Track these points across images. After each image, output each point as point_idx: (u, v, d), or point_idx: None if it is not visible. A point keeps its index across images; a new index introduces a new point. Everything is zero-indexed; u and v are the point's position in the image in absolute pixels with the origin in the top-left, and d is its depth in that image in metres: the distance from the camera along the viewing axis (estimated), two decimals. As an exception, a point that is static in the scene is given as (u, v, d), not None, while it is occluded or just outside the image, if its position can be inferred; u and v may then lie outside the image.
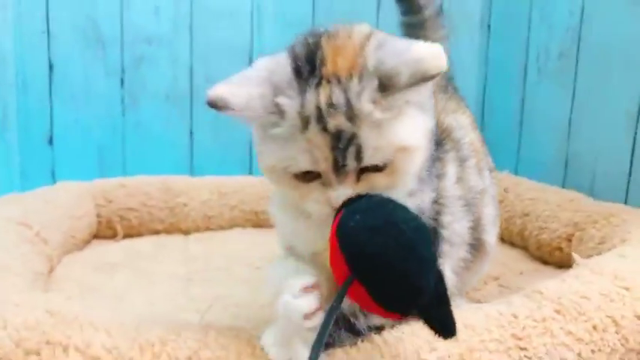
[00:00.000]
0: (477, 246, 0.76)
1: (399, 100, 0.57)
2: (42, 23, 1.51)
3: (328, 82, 0.56)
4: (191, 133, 1.65)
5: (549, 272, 1.08)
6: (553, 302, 0.71)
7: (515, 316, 0.68)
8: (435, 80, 0.58)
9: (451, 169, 0.71)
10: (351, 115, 0.56)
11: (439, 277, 0.56)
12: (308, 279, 0.57)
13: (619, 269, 0.77)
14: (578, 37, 1.37)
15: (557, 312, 0.69)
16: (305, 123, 0.56)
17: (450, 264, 0.71)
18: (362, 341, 0.62)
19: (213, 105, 0.56)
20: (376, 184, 0.58)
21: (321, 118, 0.56)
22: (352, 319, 0.63)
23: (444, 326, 0.56)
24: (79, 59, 1.54)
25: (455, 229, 0.70)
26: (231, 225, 1.39)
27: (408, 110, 0.58)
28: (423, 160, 0.61)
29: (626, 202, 1.20)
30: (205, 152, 1.64)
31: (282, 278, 0.59)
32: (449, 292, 0.57)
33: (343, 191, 0.57)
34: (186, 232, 1.36)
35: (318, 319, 0.54)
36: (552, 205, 1.19)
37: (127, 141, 1.60)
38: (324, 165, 0.57)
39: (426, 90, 0.61)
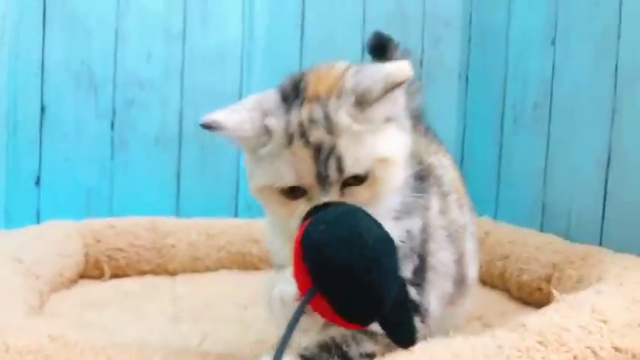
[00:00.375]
0: (460, 281, 0.79)
1: (376, 114, 0.63)
2: (37, 64, 1.55)
3: (310, 101, 0.63)
4: (178, 175, 1.67)
5: (530, 312, 1.11)
6: (535, 334, 0.74)
7: (500, 347, 0.71)
8: (411, 113, 0.68)
9: (434, 201, 0.75)
10: (330, 128, 0.61)
11: (401, 286, 0.59)
12: None
13: (596, 303, 0.81)
14: (551, 90, 1.46)
15: (540, 343, 0.72)
16: (289, 139, 0.62)
17: (435, 294, 0.73)
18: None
19: (208, 127, 0.63)
20: (359, 197, 0.62)
21: (303, 133, 0.61)
22: (344, 347, 0.65)
23: (403, 335, 0.59)
24: (71, 101, 1.58)
25: (440, 257, 0.74)
26: (218, 266, 1.40)
27: (387, 126, 0.64)
28: (403, 175, 0.66)
29: (600, 244, 1.25)
30: (192, 195, 1.67)
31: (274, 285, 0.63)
32: (412, 301, 0.61)
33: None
34: (173, 273, 1.37)
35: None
36: (531, 248, 1.24)
37: (115, 182, 1.62)
38: (308, 178, 0.61)
39: (401, 109, 0.67)
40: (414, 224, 0.69)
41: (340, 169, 0.61)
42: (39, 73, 1.56)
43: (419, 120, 0.96)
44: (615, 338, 0.76)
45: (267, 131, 0.63)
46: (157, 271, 1.35)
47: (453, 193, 0.80)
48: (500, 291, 1.29)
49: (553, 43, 1.45)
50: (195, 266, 1.38)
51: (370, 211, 0.61)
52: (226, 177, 1.69)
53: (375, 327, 0.66)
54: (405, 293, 0.60)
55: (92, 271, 1.29)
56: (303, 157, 0.61)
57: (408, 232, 0.68)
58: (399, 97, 0.66)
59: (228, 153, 1.69)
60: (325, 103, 0.63)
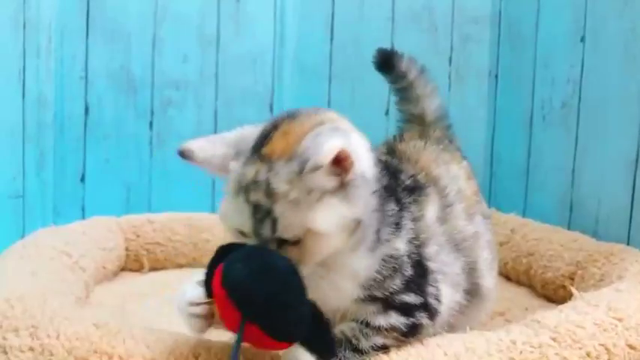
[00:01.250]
0: (473, 291, 0.81)
1: (313, 184, 0.64)
2: (81, 69, 1.64)
3: (261, 160, 0.65)
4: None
5: (553, 309, 1.13)
6: (549, 330, 0.77)
7: (514, 342, 0.74)
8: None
9: (430, 210, 0.77)
10: (269, 193, 0.64)
11: (313, 306, 0.66)
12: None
13: (613, 301, 0.83)
14: (579, 88, 1.46)
15: (554, 339, 0.75)
16: (237, 191, 0.65)
17: (445, 292, 0.75)
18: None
19: (181, 154, 0.70)
20: (291, 255, 0.65)
21: (247, 190, 0.65)
22: (354, 341, 0.70)
23: (324, 348, 0.65)
24: (111, 103, 1.66)
25: (444, 260, 0.76)
26: (250, 260, 1.46)
27: (328, 198, 0.65)
28: (336, 246, 0.67)
29: (628, 244, 1.26)
30: (227, 192, 1.73)
31: None
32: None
33: None
34: (207, 266, 1.43)
35: (199, 309, 0.67)
36: (556, 245, 1.25)
37: (154, 180, 1.70)
38: (247, 230, 0.65)
39: (355, 176, 0.66)
40: (395, 248, 0.71)
41: (274, 230, 0.64)
42: (83, 76, 1.65)
43: (436, 123, 0.98)
44: (630, 336, 0.78)
45: (229, 174, 0.68)
46: (193, 265, 1.42)
47: (459, 202, 0.81)
48: (525, 288, 1.31)
49: (582, 40, 1.45)
50: (229, 260, 1.44)
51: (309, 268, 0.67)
52: (259, 175, 1.75)
53: (380, 321, 0.70)
54: (320, 312, 0.66)
55: (132, 264, 1.37)
56: (243, 211, 0.65)
57: (387, 257, 0.70)
58: (356, 164, 0.65)
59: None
60: (272, 166, 0.64)
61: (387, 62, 1.00)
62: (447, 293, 0.75)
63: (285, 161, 0.64)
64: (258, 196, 0.64)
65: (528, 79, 1.67)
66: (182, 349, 0.65)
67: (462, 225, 0.80)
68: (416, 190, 0.78)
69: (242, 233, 0.67)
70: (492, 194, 1.86)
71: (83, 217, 1.58)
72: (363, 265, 0.69)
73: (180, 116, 1.71)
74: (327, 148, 0.61)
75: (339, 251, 0.68)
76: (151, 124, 1.70)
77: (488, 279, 0.84)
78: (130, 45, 1.67)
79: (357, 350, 0.70)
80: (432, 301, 0.73)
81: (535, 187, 1.65)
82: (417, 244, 0.74)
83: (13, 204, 1.52)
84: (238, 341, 0.60)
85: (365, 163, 0.68)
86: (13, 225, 1.50)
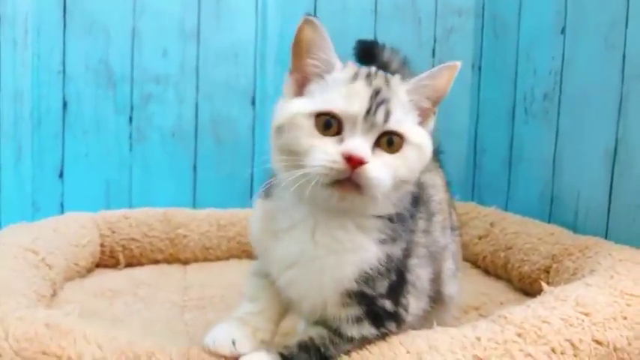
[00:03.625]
0: (436, 299, 0.81)
1: (419, 107, 0.70)
2: (58, 63, 1.62)
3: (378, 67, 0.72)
4: (195, 167, 1.72)
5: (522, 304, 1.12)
6: (515, 326, 0.76)
7: (479, 339, 0.73)
8: None
9: (420, 224, 0.77)
10: (388, 86, 0.67)
11: None
12: None
13: (581, 296, 0.82)
14: (560, 80, 1.44)
15: (519, 335, 0.74)
16: (355, 77, 0.68)
17: (413, 304, 0.75)
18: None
19: (309, 19, 0.71)
20: (384, 162, 0.65)
21: (368, 76, 0.68)
22: (322, 349, 0.69)
23: None
24: (91, 97, 1.64)
25: (419, 274, 0.75)
26: (229, 256, 1.45)
27: (422, 129, 0.70)
28: (416, 175, 0.70)
29: (606, 237, 1.25)
30: (208, 186, 1.71)
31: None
32: None
33: (363, 145, 0.64)
34: (185, 262, 1.42)
35: None
36: (533, 239, 1.24)
37: (134, 174, 1.68)
38: (358, 110, 0.64)
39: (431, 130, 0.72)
40: (396, 250, 0.71)
41: (386, 119, 0.65)
42: (61, 70, 1.63)
43: None
44: (596, 331, 0.77)
45: (339, 65, 0.70)
46: (169, 260, 1.41)
47: (438, 214, 0.81)
48: (503, 281, 1.30)
49: (563, 32, 1.44)
50: (207, 255, 1.43)
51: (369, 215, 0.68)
52: (241, 169, 1.73)
53: (352, 332, 0.69)
54: None
55: (108, 260, 1.36)
56: (362, 93, 0.66)
57: (389, 255, 0.70)
58: (433, 121, 0.72)
59: (242, 146, 1.73)
60: (389, 75, 0.71)
61: (368, 53, 1.00)
62: (413, 304, 0.75)
63: (398, 79, 0.71)
64: (380, 83, 0.67)
65: (511, 70, 1.66)
66: (135, 350, 0.63)
67: (437, 237, 0.80)
68: (418, 202, 0.77)
69: (329, 122, 0.65)
70: (476, 186, 1.85)
71: (62, 213, 1.56)
72: (373, 253, 0.69)
73: (160, 111, 1.69)
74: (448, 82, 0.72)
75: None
76: (130, 118, 1.68)
77: (451, 287, 0.85)
78: (109, 39, 1.65)
79: (323, 358, 0.69)
80: (402, 311, 0.73)
81: (517, 180, 1.64)
82: (406, 253, 0.74)
83: (-10, 200, 1.51)
84: None
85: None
86: (-10, 220, 1.48)
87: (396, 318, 0.73)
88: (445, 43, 1.83)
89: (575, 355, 0.74)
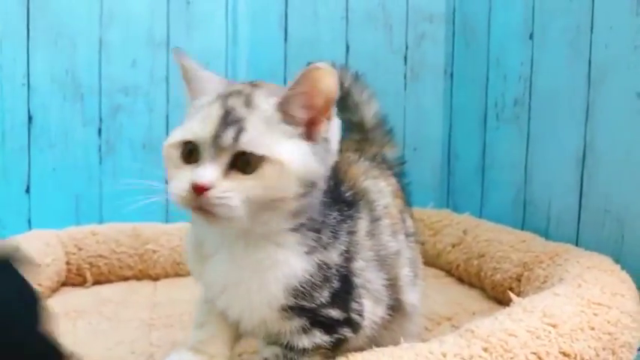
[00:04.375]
0: (395, 306, 0.78)
1: (292, 120, 0.65)
2: (22, 75, 1.58)
3: (250, 85, 0.69)
4: (167, 181, 1.69)
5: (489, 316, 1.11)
6: (482, 340, 0.74)
7: (444, 355, 0.72)
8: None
9: (362, 225, 0.75)
10: (248, 102, 0.65)
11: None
12: None
13: (548, 307, 0.81)
14: (530, 85, 1.45)
15: (485, 350, 0.73)
16: (213, 100, 0.66)
17: (368, 307, 0.73)
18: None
19: (176, 52, 0.72)
20: (242, 187, 0.62)
21: (225, 98, 0.66)
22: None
23: None
24: (57, 110, 1.61)
25: (368, 278, 0.74)
26: (201, 270, 1.42)
27: (297, 140, 0.66)
28: (284, 194, 0.64)
29: (577, 242, 1.25)
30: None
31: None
32: None
33: (208, 171, 0.62)
34: (155, 278, 1.39)
35: None
36: (506, 246, 1.23)
37: (104, 188, 1.65)
38: (202, 132, 0.63)
39: (328, 135, 0.69)
40: (332, 255, 0.69)
41: (236, 139, 0.62)
42: (25, 82, 1.59)
43: (376, 130, 0.95)
44: (563, 343, 0.76)
45: (210, 90, 0.68)
46: (139, 277, 1.38)
47: (385, 218, 0.79)
48: (477, 290, 1.29)
49: (531, 38, 1.44)
50: (178, 271, 1.40)
51: (274, 230, 0.65)
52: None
53: (304, 342, 0.67)
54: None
55: (75, 278, 1.32)
56: (211, 116, 0.64)
57: (321, 264, 0.68)
58: (330, 123, 0.68)
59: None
60: (259, 88, 0.68)
61: None
62: (369, 308, 0.73)
63: (273, 89, 0.68)
64: (235, 103, 0.65)
65: (482, 76, 1.66)
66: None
67: (386, 240, 0.78)
68: (354, 204, 0.75)
69: (192, 149, 0.63)
70: (450, 192, 1.85)
71: (30, 229, 1.52)
72: (298, 266, 0.67)
73: (130, 122, 1.67)
74: (328, 85, 0.64)
75: (276, 235, 0.66)
76: (99, 130, 1.65)
77: (411, 295, 0.82)
78: (75, 49, 1.62)
79: None
80: (355, 316, 0.71)
81: (491, 186, 1.64)
82: (347, 257, 0.72)
83: (-46, 216, 1.47)
84: None
85: (335, 129, 0.70)
86: (-45, 238, 1.44)
87: (350, 323, 0.71)
88: (417, 50, 1.83)
89: (542, 368, 0.73)
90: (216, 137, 0.62)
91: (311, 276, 0.67)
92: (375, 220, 0.77)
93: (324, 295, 0.68)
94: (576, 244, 1.20)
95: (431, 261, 1.48)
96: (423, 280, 0.89)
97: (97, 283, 1.34)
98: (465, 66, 1.77)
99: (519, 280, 1.14)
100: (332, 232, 0.70)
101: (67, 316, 1.09)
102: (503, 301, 1.19)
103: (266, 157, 0.62)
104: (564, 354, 0.75)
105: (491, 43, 1.63)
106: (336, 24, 1.78)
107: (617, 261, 1.03)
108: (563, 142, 1.31)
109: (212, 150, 0.62)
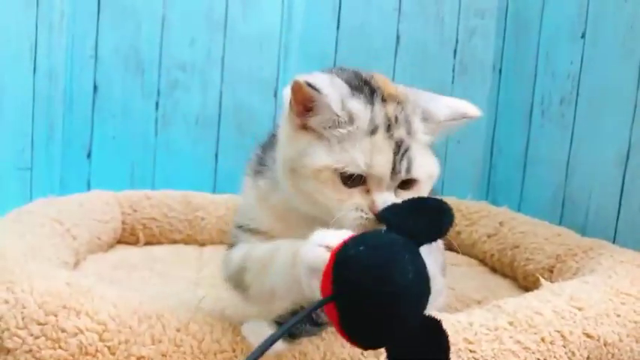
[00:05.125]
0: None
1: (432, 135, 0.69)
2: (91, 48, 1.69)
3: (391, 100, 0.68)
4: (216, 155, 1.78)
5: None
6: (508, 315, 0.79)
7: (471, 324, 0.77)
8: None
9: None
10: (409, 130, 0.68)
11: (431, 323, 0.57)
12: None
13: (577, 291, 0.85)
14: (578, 84, 1.46)
15: (510, 323, 0.77)
16: (374, 129, 0.66)
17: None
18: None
19: (310, 86, 0.63)
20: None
21: (389, 127, 0.66)
22: (314, 316, 0.72)
23: None
24: (120, 82, 1.71)
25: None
26: (244, 239, 1.49)
27: (430, 152, 0.71)
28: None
29: (614, 240, 1.26)
30: (228, 173, 1.76)
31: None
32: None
33: (388, 197, 0.66)
34: (202, 244, 1.48)
35: None
36: (540, 239, 1.26)
37: (158, 159, 1.74)
38: (382, 169, 0.65)
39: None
40: None
41: (408, 170, 0.67)
42: (93, 55, 1.69)
43: None
44: (588, 325, 0.79)
45: (349, 114, 0.65)
46: (187, 241, 1.47)
47: None
48: (509, 279, 1.32)
49: (583, 36, 1.45)
50: (223, 238, 1.48)
51: None
52: (260, 158, 1.78)
53: None
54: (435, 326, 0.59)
55: (129, 237, 1.42)
56: (384, 149, 0.65)
57: None
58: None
59: (262, 134, 1.78)
60: (404, 106, 0.68)
61: None
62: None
63: (410, 105, 0.69)
64: (401, 133, 0.67)
65: (530, 73, 1.67)
66: (146, 310, 0.68)
67: None
68: None
69: (352, 180, 0.64)
70: (491, 186, 1.87)
71: (88, 191, 1.63)
72: None
73: (185, 98, 1.75)
74: (469, 105, 0.70)
75: None
76: (157, 104, 1.74)
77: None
78: (140, 26, 1.71)
79: (317, 324, 0.73)
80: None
81: (531, 182, 1.66)
82: None
83: (21, 175, 1.58)
84: (312, 309, 0.55)
85: None
86: (20, 196, 1.55)
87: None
88: (467, 44, 1.85)
89: (564, 346, 0.76)
90: (394, 172, 0.66)
91: None
92: None
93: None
94: (613, 243, 1.21)
95: (466, 250, 1.51)
96: (440, 249, 0.94)
97: (148, 243, 1.43)
98: (514, 62, 1.78)
99: (551, 272, 1.16)
100: None
101: (122, 268, 1.19)
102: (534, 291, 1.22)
103: (424, 178, 0.69)
104: (588, 335, 0.79)
105: (541, 41, 1.64)
106: (389, 14, 1.82)
107: (652, 261, 1.04)
108: (608, 142, 1.32)
109: (393, 179, 0.66)
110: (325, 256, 0.55)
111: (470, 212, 1.56)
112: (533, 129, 1.66)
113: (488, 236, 1.42)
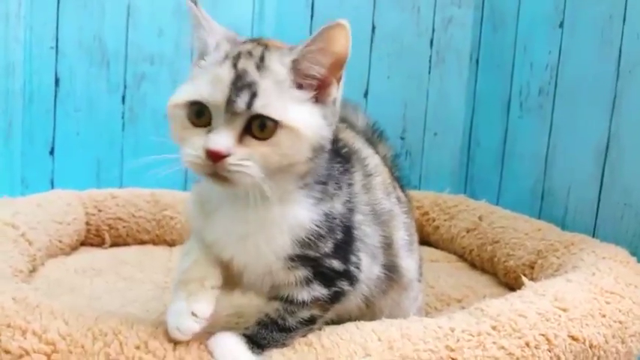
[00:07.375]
0: (391, 269, 0.79)
1: (306, 84, 0.65)
2: (51, 39, 1.60)
3: (259, 44, 0.67)
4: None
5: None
6: (491, 319, 0.75)
7: (452, 330, 0.73)
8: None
9: (358, 178, 0.76)
10: (260, 66, 0.64)
11: None
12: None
13: (560, 291, 0.81)
14: (556, 75, 1.43)
15: (494, 328, 0.73)
16: (222, 59, 0.64)
17: (365, 261, 0.74)
18: (300, 342, 0.66)
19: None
20: (256, 152, 0.62)
21: (236, 58, 0.64)
22: (280, 321, 0.68)
23: None
24: (83, 75, 1.62)
25: (366, 231, 0.74)
26: (215, 239, 1.44)
27: (308, 105, 0.66)
28: (298, 158, 0.64)
29: (594, 233, 1.24)
30: (199, 169, 1.70)
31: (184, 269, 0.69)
32: None
33: (223, 138, 0.61)
34: (171, 244, 1.42)
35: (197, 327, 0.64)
36: (521, 234, 1.23)
37: (125, 155, 1.67)
38: (218, 98, 0.61)
39: (333, 100, 0.68)
40: (337, 205, 0.71)
41: (250, 105, 0.61)
42: (53, 46, 1.61)
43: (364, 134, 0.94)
44: (572, 327, 0.76)
45: (217, 45, 0.67)
46: (156, 242, 1.40)
47: (377, 175, 0.80)
48: (489, 275, 1.29)
49: (561, 26, 1.42)
50: (194, 238, 1.42)
51: (284, 189, 0.65)
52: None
53: (303, 295, 0.68)
54: None
55: (94, 239, 1.35)
56: (224, 77, 0.62)
57: (327, 214, 0.69)
58: (336, 88, 0.68)
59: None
60: (270, 48, 0.66)
61: None
62: (366, 262, 0.74)
63: (285, 50, 0.66)
64: (247, 65, 0.63)
65: (508, 64, 1.64)
66: (102, 327, 0.63)
67: (380, 197, 0.79)
68: (349, 159, 0.76)
69: (201, 111, 0.62)
70: (469, 179, 1.84)
71: (52, 190, 1.56)
72: (306, 217, 0.67)
73: (153, 91, 1.68)
74: (343, 43, 0.64)
75: (288, 193, 0.66)
76: (123, 98, 1.66)
77: (407, 260, 0.82)
78: (104, 14, 1.63)
79: (283, 329, 0.68)
80: (353, 269, 0.72)
81: (509, 174, 1.63)
82: (349, 207, 0.72)
83: (-21, 173, 1.50)
84: None
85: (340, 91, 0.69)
86: (-22, 194, 1.48)
87: (348, 276, 0.71)
88: (443, 34, 1.81)
89: (549, 350, 0.73)
90: (230, 102, 0.61)
91: (317, 226, 0.68)
92: (367, 175, 0.78)
93: (328, 245, 0.69)
94: (593, 237, 1.19)
95: (444, 245, 1.48)
96: (419, 250, 0.90)
97: (114, 245, 1.37)
98: (492, 52, 1.75)
99: (532, 268, 1.14)
100: (336, 182, 0.71)
101: (85, 273, 1.12)
102: (515, 288, 1.17)
103: (281, 123, 0.62)
104: (573, 338, 0.75)
105: (519, 31, 1.61)
106: (363, 3, 1.77)
107: (634, 254, 1.02)
108: (587, 133, 1.30)
109: (225, 115, 0.61)
110: (195, 328, 0.63)
111: (448, 206, 1.52)
112: (511, 120, 1.63)
113: (467, 231, 1.39)
